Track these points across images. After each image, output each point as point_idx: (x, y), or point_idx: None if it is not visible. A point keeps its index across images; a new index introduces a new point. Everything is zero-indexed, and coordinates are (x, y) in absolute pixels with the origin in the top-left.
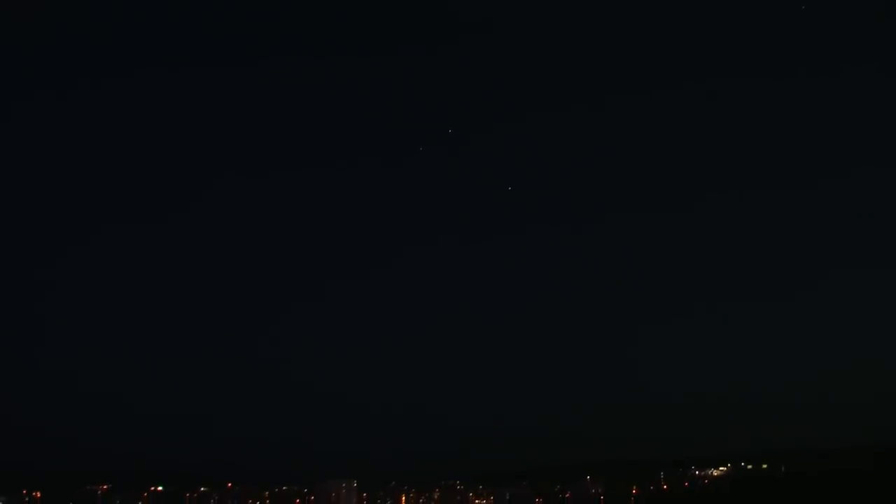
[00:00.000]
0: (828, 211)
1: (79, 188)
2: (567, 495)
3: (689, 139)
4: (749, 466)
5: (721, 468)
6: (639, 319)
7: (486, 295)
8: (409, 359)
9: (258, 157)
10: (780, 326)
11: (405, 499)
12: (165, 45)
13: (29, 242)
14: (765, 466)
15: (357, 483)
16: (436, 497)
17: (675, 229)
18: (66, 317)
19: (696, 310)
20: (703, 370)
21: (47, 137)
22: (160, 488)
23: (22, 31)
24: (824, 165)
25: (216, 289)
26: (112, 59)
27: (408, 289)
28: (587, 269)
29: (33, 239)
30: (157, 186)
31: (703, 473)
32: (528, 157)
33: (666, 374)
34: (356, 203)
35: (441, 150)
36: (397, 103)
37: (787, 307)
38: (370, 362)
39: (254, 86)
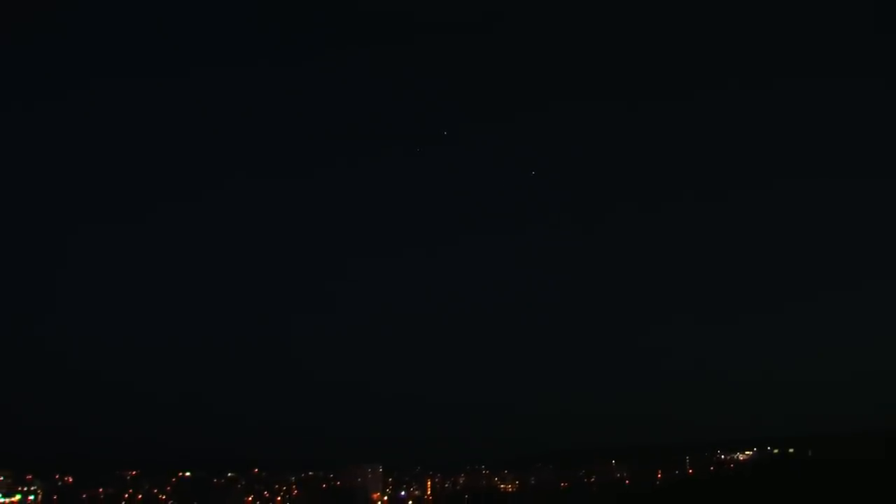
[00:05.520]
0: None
1: (105, 180)
2: (592, 479)
3: (685, 140)
4: (775, 451)
5: (747, 452)
6: (662, 307)
7: (498, 288)
8: (433, 348)
9: (269, 159)
10: (803, 314)
11: (431, 483)
12: (191, 48)
13: (59, 243)
14: (791, 451)
15: (383, 468)
16: (461, 481)
17: (679, 227)
18: (95, 312)
19: (718, 297)
20: (728, 355)
21: (80, 132)
22: (188, 474)
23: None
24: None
25: (243, 281)
26: (139, 60)
27: (422, 284)
28: (606, 262)
29: (64, 240)
30: (182, 182)
31: (728, 457)
32: (537, 155)
33: (690, 359)
34: (362, 202)
35: (443, 150)
36: (396, 105)
37: (813, 302)
38: (393, 352)
39: (260, 90)
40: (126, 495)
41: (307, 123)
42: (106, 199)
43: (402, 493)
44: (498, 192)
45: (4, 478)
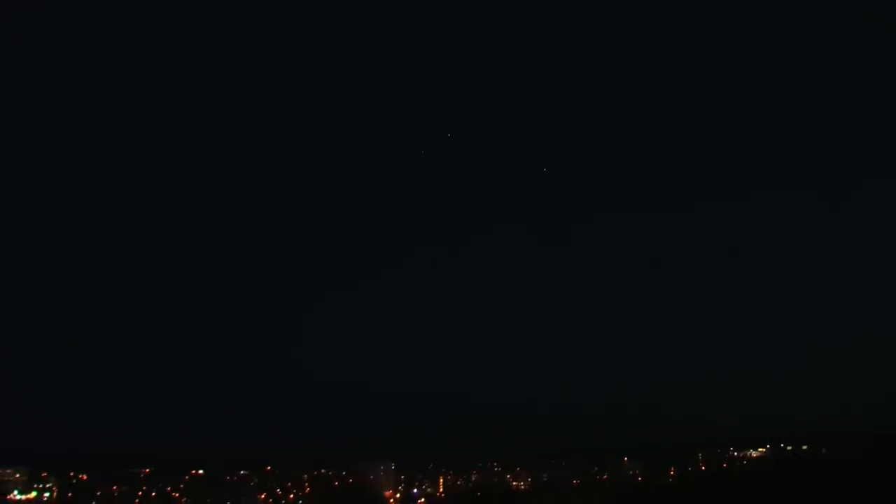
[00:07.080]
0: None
1: (106, 180)
2: (604, 476)
3: (684, 143)
4: (789, 448)
5: (760, 449)
6: (669, 304)
7: (509, 286)
8: (444, 346)
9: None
10: (810, 312)
11: (443, 480)
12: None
13: (61, 244)
14: (805, 448)
15: (395, 465)
16: (473, 478)
17: (685, 226)
18: (103, 311)
19: (724, 297)
20: (740, 350)
21: (80, 132)
22: (201, 472)
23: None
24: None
25: (252, 280)
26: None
27: (431, 282)
28: (613, 260)
29: (67, 241)
30: (182, 183)
31: (741, 454)
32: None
33: (700, 354)
34: (370, 203)
35: (446, 150)
36: (396, 107)
37: (817, 301)
38: (403, 350)
39: (259, 91)
40: (140, 493)
41: (308, 124)
42: (107, 198)
43: (415, 490)
44: (502, 190)
45: (21, 475)
